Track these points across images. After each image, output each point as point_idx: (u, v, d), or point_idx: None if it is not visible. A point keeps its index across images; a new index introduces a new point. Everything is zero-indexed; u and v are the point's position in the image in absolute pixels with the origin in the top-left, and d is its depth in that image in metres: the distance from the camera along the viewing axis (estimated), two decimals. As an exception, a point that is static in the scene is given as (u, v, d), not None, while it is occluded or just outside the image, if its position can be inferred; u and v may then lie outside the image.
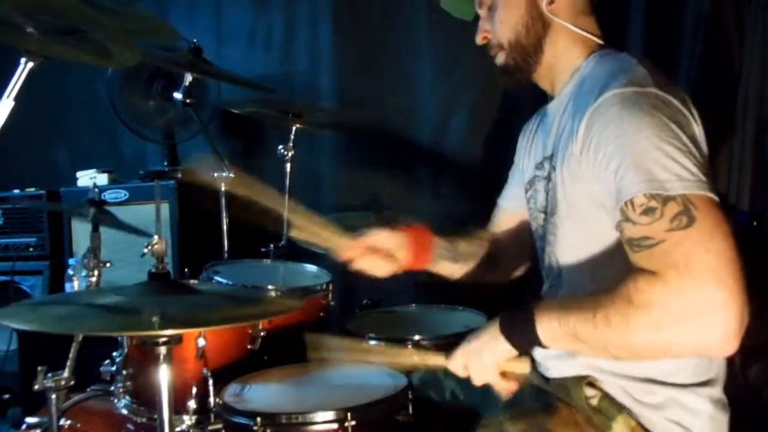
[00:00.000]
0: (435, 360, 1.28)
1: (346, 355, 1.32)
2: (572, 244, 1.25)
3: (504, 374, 1.19)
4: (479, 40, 1.37)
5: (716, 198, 1.01)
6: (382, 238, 1.47)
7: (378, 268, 1.47)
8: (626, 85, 1.10)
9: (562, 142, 1.23)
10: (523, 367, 1.19)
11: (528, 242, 1.48)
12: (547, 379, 1.28)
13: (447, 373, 1.50)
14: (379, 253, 1.46)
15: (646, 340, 0.99)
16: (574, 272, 1.26)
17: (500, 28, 1.32)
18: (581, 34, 1.28)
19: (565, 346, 1.10)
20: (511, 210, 1.58)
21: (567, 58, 1.29)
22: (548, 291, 1.35)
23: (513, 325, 1.14)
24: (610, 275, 1.15)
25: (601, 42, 1.29)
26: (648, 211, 1.01)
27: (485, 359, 1.18)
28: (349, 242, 1.46)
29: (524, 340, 1.13)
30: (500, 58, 1.35)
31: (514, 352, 1.15)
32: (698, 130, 1.13)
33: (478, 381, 1.21)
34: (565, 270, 1.28)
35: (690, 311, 0.95)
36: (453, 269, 1.57)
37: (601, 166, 1.09)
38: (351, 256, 1.46)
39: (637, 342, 1.00)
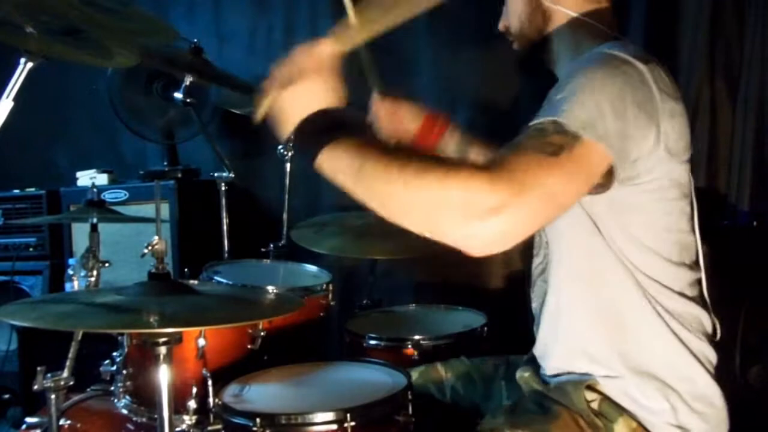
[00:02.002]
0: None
1: None
2: (560, 228, 1.25)
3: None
4: (500, 27, 1.39)
5: (610, 158, 1.02)
6: (405, 108, 1.60)
7: (385, 126, 1.58)
8: (612, 49, 1.12)
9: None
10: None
11: None
12: (547, 384, 1.28)
13: (447, 368, 1.51)
14: (394, 114, 1.59)
15: (422, 201, 0.96)
16: (554, 244, 1.27)
17: (510, 18, 1.35)
18: (587, 22, 1.26)
19: (340, 177, 1.04)
20: None
21: (572, 46, 1.28)
22: (537, 266, 1.36)
23: (314, 128, 1.08)
24: (583, 244, 1.18)
25: (609, 32, 1.26)
26: (540, 129, 1.01)
27: (286, 105, 1.12)
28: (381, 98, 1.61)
29: (310, 139, 1.07)
30: (514, 46, 1.38)
31: (285, 131, 1.11)
32: (670, 127, 1.11)
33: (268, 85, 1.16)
34: (549, 242, 1.29)
35: (484, 199, 0.92)
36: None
37: (547, 102, 1.08)
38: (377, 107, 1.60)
39: (415, 200, 0.97)
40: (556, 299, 1.27)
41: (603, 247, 1.17)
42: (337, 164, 1.03)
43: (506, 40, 1.40)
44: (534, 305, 1.35)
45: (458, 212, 0.93)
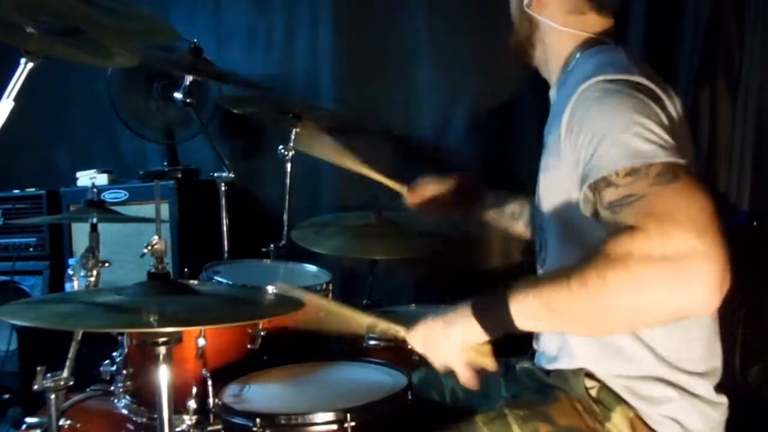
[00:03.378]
0: (395, 330, 1.25)
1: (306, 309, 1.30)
2: (554, 234, 1.26)
3: (469, 362, 1.15)
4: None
5: (683, 162, 1.01)
6: (434, 187, 1.74)
7: (434, 208, 1.75)
8: (610, 74, 1.12)
9: (551, 131, 1.24)
10: (490, 363, 1.16)
11: None
12: (546, 372, 1.29)
13: (447, 372, 1.50)
14: (434, 198, 1.73)
15: (625, 300, 0.94)
16: (555, 261, 1.27)
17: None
18: (568, 31, 1.30)
19: (541, 322, 1.05)
20: None
21: (559, 52, 1.32)
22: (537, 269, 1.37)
23: (485, 307, 1.10)
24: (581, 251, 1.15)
25: (595, 37, 1.30)
26: (633, 172, 1.00)
27: (451, 340, 1.14)
28: (408, 193, 1.75)
29: (497, 322, 1.08)
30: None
31: (484, 336, 1.10)
32: (679, 122, 1.14)
33: (437, 363, 1.18)
34: (548, 257, 1.30)
35: (671, 260, 0.90)
36: (499, 223, 1.73)
37: (583, 146, 1.08)
38: (412, 203, 1.75)
39: (616, 303, 0.94)
40: None
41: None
42: (530, 319, 1.05)
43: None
44: None
45: (665, 284, 0.91)
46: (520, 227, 1.69)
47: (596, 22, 1.31)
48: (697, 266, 0.89)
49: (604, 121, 1.06)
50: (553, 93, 1.36)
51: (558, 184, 1.19)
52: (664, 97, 1.12)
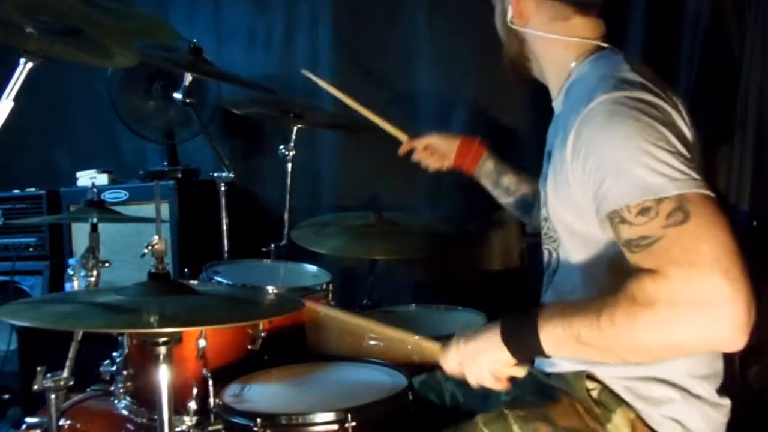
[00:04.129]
0: (431, 350, 1.28)
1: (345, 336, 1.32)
2: (567, 246, 1.25)
3: (500, 378, 1.18)
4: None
5: (710, 193, 1.00)
6: (436, 140, 1.81)
7: (430, 162, 1.82)
8: (614, 90, 1.10)
9: (557, 146, 1.23)
10: (520, 372, 1.18)
11: None
12: (547, 375, 1.28)
13: (447, 378, 1.50)
14: (434, 152, 1.81)
15: (654, 339, 0.97)
16: (567, 272, 1.26)
17: None
18: (556, 38, 1.28)
19: (570, 352, 1.08)
20: None
21: (554, 62, 1.31)
22: (545, 286, 1.36)
23: (514, 334, 1.12)
24: (601, 279, 1.17)
25: (589, 41, 1.27)
26: (644, 211, 1.00)
27: (483, 364, 1.17)
28: (410, 139, 1.82)
29: (526, 349, 1.11)
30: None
31: (513, 360, 1.14)
32: (687, 129, 1.13)
33: (472, 382, 1.20)
34: (560, 268, 1.29)
35: (697, 304, 0.93)
36: (491, 190, 1.78)
37: (591, 173, 1.08)
38: (409, 148, 1.82)
39: (645, 342, 0.98)
40: None
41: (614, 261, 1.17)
42: (559, 348, 1.08)
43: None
44: None
45: (694, 326, 0.94)
46: (510, 202, 1.75)
47: (585, 26, 1.28)
48: (724, 308, 0.92)
49: (612, 150, 1.06)
50: (557, 103, 1.33)
51: (570, 199, 1.18)
52: (669, 108, 1.10)
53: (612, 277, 1.15)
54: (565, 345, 1.06)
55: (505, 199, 1.76)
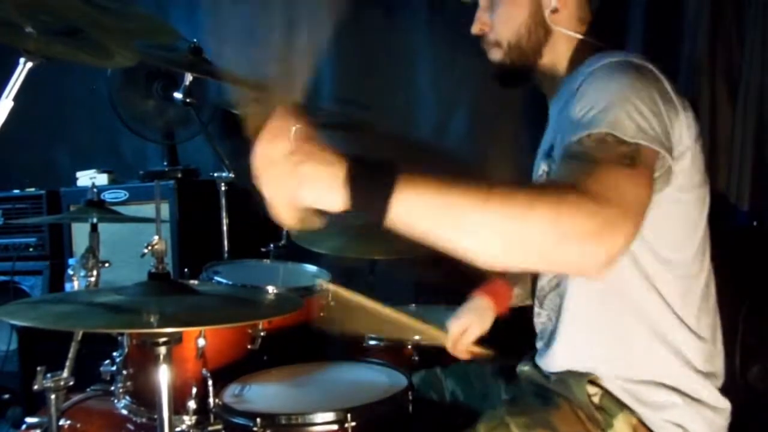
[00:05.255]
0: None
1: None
2: None
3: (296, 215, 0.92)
4: (475, 30, 1.35)
5: (666, 159, 1.04)
6: (468, 321, 1.50)
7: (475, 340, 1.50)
8: (620, 58, 1.12)
9: (559, 135, 1.22)
10: (315, 222, 0.94)
11: None
12: (547, 377, 1.28)
13: (447, 374, 1.51)
14: (470, 327, 1.49)
15: (535, 229, 0.87)
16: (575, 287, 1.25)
17: (501, 26, 1.30)
18: (582, 39, 1.28)
19: (425, 222, 0.89)
20: None
21: (567, 61, 1.30)
22: (550, 280, 1.34)
23: (363, 179, 0.88)
24: (608, 282, 1.15)
25: (601, 45, 1.29)
26: (601, 141, 1.00)
27: (300, 191, 0.90)
28: (450, 341, 1.49)
29: (367, 202, 0.89)
30: (496, 55, 1.33)
31: (338, 208, 0.89)
32: (684, 118, 1.13)
33: (265, 192, 0.96)
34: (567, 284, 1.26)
35: (591, 223, 0.88)
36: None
37: (581, 113, 1.06)
38: (458, 352, 1.49)
39: (526, 228, 0.87)
40: (573, 311, 1.26)
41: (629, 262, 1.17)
42: (413, 217, 0.89)
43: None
44: (543, 319, 1.35)
45: (575, 239, 0.88)
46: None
47: (587, 23, 1.30)
48: (614, 239, 0.89)
49: (602, 94, 1.06)
50: (554, 104, 1.33)
51: None
52: (671, 91, 1.11)
53: (619, 280, 1.15)
54: (423, 218, 0.89)
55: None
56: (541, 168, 1.34)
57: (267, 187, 0.94)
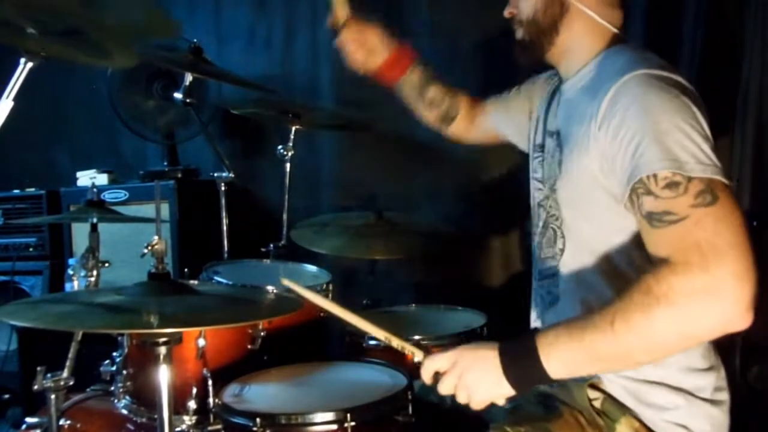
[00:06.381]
0: (411, 351, 1.19)
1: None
2: (574, 227, 1.25)
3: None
4: (506, 13, 1.38)
5: (729, 183, 1.03)
6: (374, 33, 1.66)
7: (356, 54, 1.66)
8: (650, 68, 1.11)
9: (574, 125, 1.22)
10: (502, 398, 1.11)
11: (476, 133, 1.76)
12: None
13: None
14: (363, 43, 1.65)
15: (671, 332, 0.96)
16: (576, 255, 1.25)
17: (522, 3, 1.33)
18: (600, 22, 1.27)
19: (584, 371, 1.05)
20: (495, 119, 1.72)
21: (583, 43, 1.29)
22: (544, 270, 1.34)
23: (515, 367, 1.06)
24: (613, 262, 1.16)
25: (620, 34, 1.29)
26: (672, 185, 1.00)
27: (480, 392, 1.08)
28: (350, 18, 1.67)
29: (530, 380, 1.06)
30: (518, 33, 1.36)
31: (512, 393, 1.07)
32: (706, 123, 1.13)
33: (462, 401, 1.12)
34: (568, 250, 1.27)
35: (713, 291, 0.93)
36: (412, 102, 1.75)
37: (623, 143, 1.08)
38: (341, 22, 1.66)
39: (662, 337, 0.97)
40: (571, 305, 1.27)
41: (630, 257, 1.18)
42: (568, 368, 1.03)
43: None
44: (542, 324, 1.35)
45: (711, 313, 0.95)
46: (432, 115, 1.76)
47: (619, 18, 1.30)
48: (738, 291, 0.93)
49: (648, 120, 1.06)
50: (570, 85, 1.32)
51: (585, 181, 1.17)
52: (699, 99, 1.12)
53: (626, 262, 1.16)
54: (578, 365, 1.03)
55: (427, 112, 1.75)
56: (544, 140, 1.36)
57: (463, 399, 1.11)
